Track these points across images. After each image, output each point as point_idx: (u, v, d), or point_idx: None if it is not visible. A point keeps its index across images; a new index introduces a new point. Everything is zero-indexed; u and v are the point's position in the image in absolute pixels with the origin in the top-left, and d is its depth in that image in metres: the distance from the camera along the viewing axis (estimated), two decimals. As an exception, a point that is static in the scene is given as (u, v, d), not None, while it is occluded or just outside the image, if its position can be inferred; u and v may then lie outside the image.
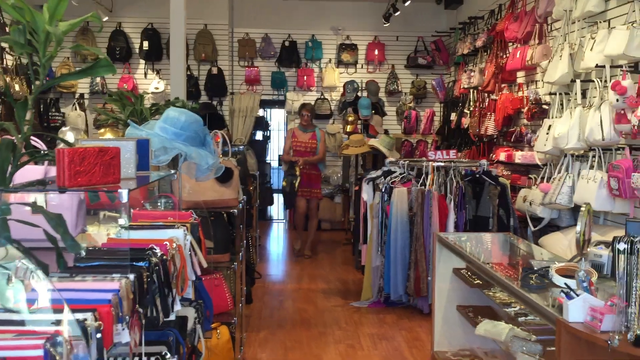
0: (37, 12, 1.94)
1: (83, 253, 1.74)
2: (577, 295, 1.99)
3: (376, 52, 9.87)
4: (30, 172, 2.27)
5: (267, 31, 9.85)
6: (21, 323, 1.11)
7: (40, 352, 1.03)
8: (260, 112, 10.32)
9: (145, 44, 9.08)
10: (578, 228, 2.12)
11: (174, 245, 1.90)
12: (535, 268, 2.60)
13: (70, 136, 3.36)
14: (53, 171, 2.18)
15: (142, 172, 1.91)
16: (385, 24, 9.20)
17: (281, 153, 11.22)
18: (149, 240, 1.82)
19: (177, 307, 1.87)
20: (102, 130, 3.55)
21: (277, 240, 9.62)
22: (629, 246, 1.76)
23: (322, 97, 9.93)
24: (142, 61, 9.36)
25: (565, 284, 2.12)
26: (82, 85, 9.05)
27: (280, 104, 10.15)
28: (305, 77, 9.85)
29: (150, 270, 1.64)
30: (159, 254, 1.75)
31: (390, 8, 8.76)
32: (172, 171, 2.26)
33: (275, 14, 9.83)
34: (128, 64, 9.22)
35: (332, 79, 9.81)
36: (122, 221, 1.69)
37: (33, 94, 1.98)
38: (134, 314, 1.46)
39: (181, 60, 6.31)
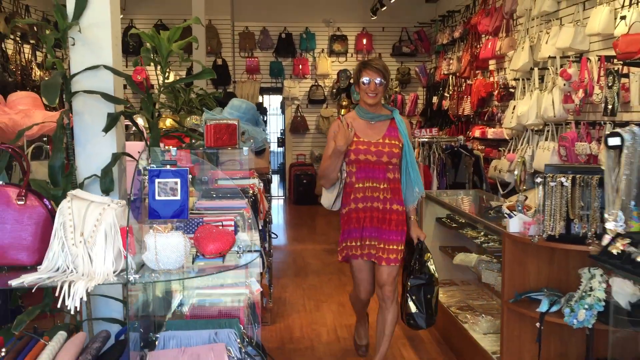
0: (162, 38, 2.95)
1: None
2: (515, 215, 3.07)
3: (364, 42, 10.88)
4: (133, 145, 3.28)
5: (265, 24, 10.81)
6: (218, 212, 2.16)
7: (232, 223, 2.07)
8: (260, 99, 11.31)
9: (156, 38, 9.99)
10: (516, 172, 3.18)
11: (256, 188, 2.94)
12: (493, 206, 3.69)
13: (140, 120, 4.29)
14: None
15: (237, 141, 2.92)
16: (372, 17, 10.21)
17: (279, 134, 12.38)
18: (241, 185, 2.86)
19: (259, 227, 2.91)
20: (163, 116, 4.46)
21: (277, 211, 10.64)
22: (543, 180, 2.83)
23: (316, 84, 10.94)
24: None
25: (510, 210, 3.20)
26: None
27: (278, 91, 11.14)
28: (300, 66, 10.85)
29: (251, 199, 2.67)
30: (251, 191, 2.79)
31: (377, 3, 9.77)
32: (252, 141, 3.30)
33: (271, 8, 10.77)
34: (140, 57, 10.12)
35: (325, 67, 10.82)
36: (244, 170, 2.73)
37: (160, 92, 3.00)
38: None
39: (202, 56, 7.28)
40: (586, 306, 2.48)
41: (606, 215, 1.61)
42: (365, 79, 3.45)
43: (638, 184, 1.62)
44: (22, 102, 3.36)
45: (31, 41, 8.44)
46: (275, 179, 12.23)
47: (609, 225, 1.63)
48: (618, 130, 1.61)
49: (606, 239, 1.71)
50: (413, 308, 3.52)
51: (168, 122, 4.50)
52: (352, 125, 3.48)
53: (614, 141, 1.64)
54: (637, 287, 2.50)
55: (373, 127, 3.52)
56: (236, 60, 10.88)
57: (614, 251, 1.69)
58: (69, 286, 1.70)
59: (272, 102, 12.48)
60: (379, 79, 3.43)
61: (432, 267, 3.53)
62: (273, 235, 6.93)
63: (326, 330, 4.48)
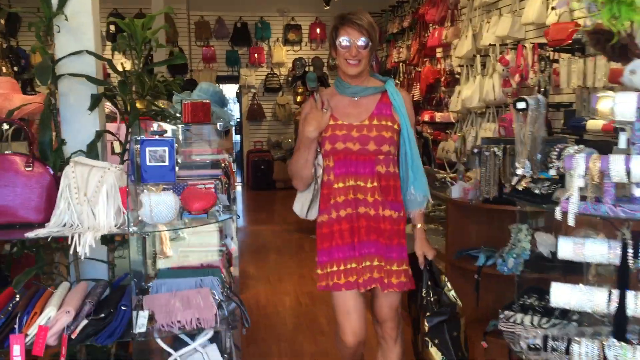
0: (138, 26, 3.22)
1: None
2: (456, 183, 3.49)
3: (318, 31, 11.22)
4: (107, 125, 3.54)
5: (220, 14, 11.02)
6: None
7: (213, 185, 2.40)
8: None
9: (112, 27, 10.10)
10: (457, 144, 3.60)
11: (227, 161, 3.27)
12: (439, 178, 4.12)
13: (109, 104, 4.56)
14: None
15: (209, 119, 3.22)
16: (325, 7, 10.55)
17: (235, 122, 12.67)
18: (214, 158, 3.18)
19: (232, 195, 3.23)
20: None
21: (235, 196, 10.93)
22: (479, 151, 3.25)
23: (272, 72, 11.23)
24: (109, 43, 10.36)
25: (453, 180, 3.62)
26: (54, 66, 9.99)
27: (235, 79, 11.38)
28: (256, 55, 11.11)
29: (225, 169, 2.99)
30: (223, 164, 3.11)
31: (330, -7, 10.12)
32: (221, 120, 3.60)
33: (226, -3, 11.00)
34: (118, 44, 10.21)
35: (281, 56, 11.11)
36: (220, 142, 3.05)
37: (134, 75, 3.28)
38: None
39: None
40: (514, 255, 2.90)
41: (516, 164, 2.00)
42: (343, 40, 2.46)
43: (542, 141, 2.04)
44: (1, 86, 3.57)
45: (-14, 29, 8.46)
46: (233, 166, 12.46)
47: (519, 171, 2.03)
48: (524, 96, 2.01)
49: (514, 180, 2.13)
50: (438, 356, 2.58)
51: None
52: (329, 104, 2.54)
53: (520, 105, 2.04)
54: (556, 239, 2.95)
55: (357, 104, 2.55)
56: (193, 49, 11.05)
57: (520, 188, 2.11)
58: (79, 237, 2.00)
59: (228, 90, 12.69)
60: (362, 39, 2.44)
61: (451, 294, 2.65)
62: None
63: (289, 298, 4.85)
